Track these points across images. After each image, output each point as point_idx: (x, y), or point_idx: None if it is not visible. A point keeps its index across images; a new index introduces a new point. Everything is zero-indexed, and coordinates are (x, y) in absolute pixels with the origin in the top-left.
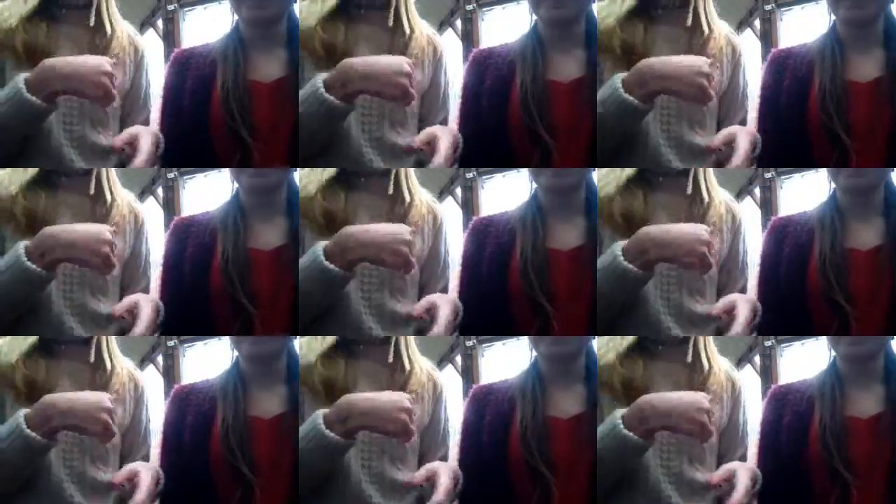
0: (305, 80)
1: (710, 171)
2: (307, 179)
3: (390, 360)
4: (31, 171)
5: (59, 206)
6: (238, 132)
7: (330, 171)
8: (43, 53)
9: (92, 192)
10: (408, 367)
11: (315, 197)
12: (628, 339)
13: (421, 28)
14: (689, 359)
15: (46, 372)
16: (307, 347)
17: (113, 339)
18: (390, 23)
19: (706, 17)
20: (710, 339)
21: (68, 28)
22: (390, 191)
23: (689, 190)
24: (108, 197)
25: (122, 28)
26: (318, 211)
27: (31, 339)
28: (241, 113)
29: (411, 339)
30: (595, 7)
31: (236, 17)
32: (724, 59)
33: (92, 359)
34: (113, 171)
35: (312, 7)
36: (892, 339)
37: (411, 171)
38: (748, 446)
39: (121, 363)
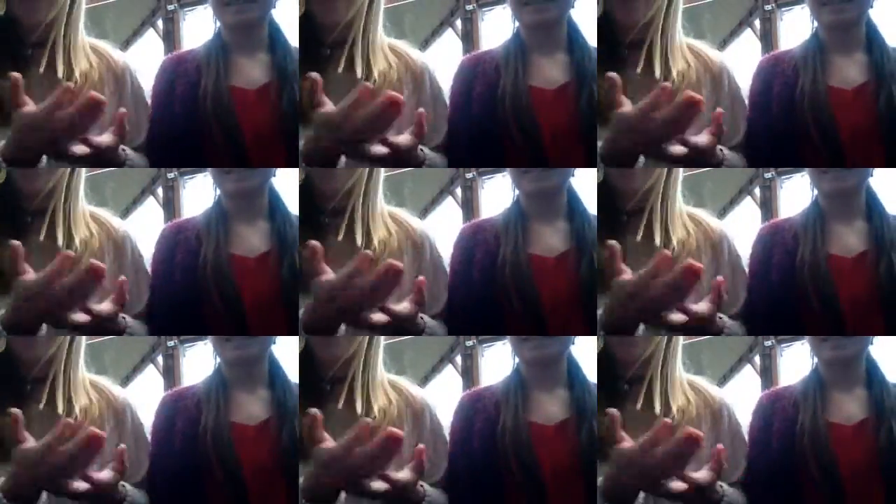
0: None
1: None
2: None
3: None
4: None
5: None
6: (226, 136)
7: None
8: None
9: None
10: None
11: None
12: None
13: (390, 60)
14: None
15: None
16: None
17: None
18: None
19: (661, 59)
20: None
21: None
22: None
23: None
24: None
25: (89, 59)
26: None
27: None
28: (227, 117)
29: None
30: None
31: (218, 23)
32: (704, 80)
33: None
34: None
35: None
36: (872, 341)
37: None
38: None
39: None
